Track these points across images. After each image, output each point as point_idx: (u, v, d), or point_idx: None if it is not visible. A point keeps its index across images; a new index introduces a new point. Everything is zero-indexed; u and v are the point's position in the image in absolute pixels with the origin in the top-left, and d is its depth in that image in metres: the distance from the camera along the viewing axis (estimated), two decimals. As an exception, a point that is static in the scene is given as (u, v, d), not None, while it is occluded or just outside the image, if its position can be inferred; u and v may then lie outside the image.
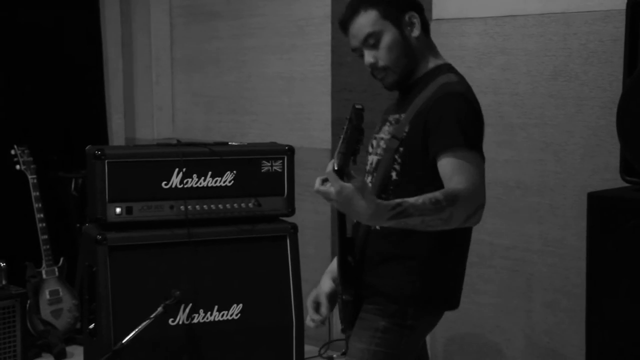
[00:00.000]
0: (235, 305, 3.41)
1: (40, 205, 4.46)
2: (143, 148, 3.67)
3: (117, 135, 5.26)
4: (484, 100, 3.67)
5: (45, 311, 4.48)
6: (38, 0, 4.86)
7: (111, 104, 5.28)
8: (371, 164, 2.38)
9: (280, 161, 3.51)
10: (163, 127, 5.34)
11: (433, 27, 3.77)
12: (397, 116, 2.32)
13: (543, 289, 3.62)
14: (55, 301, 4.47)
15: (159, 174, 3.33)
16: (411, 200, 2.01)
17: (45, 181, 4.53)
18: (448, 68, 2.34)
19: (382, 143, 2.33)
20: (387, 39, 2.25)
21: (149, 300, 3.19)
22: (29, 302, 4.49)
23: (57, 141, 4.88)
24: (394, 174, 2.25)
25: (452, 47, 3.82)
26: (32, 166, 4.47)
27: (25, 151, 4.49)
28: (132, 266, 3.28)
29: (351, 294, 2.29)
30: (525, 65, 3.63)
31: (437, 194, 2.03)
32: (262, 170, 3.47)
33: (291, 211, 3.55)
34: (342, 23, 2.31)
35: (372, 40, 2.25)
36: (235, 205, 3.45)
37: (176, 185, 3.35)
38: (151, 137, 5.28)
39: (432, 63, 2.34)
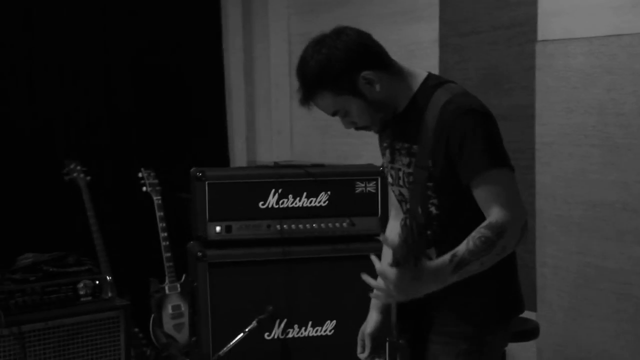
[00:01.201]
0: (329, 321, 3.51)
1: (164, 225, 4.72)
2: (242, 170, 3.86)
3: (239, 159, 5.47)
4: (589, 120, 3.65)
5: (168, 325, 4.74)
6: (163, 27, 5.13)
7: (234, 128, 5.50)
8: (401, 194, 2.36)
9: (374, 182, 3.59)
10: (282, 150, 5.51)
11: (538, 48, 3.81)
12: (406, 145, 2.26)
13: (652, 313, 3.50)
14: (177, 315, 4.71)
15: (257, 194, 3.49)
16: (463, 248, 2.03)
17: (170, 202, 4.78)
18: (436, 79, 2.27)
19: (402, 174, 2.29)
20: (353, 110, 2.20)
21: (246, 315, 3.34)
22: (152, 315, 4.78)
23: (181, 164, 5.12)
24: (433, 209, 2.23)
25: (558, 68, 3.78)
26: (158, 188, 4.75)
27: (152, 174, 4.77)
28: (230, 282, 3.44)
29: (407, 338, 2.29)
30: (631, 85, 3.53)
31: (485, 232, 2.05)
32: (356, 191, 3.56)
33: (385, 231, 3.61)
34: (302, 103, 2.24)
35: (340, 114, 2.23)
36: (330, 224, 3.55)
37: (272, 205, 3.49)
38: (270, 160, 5.47)
39: (414, 85, 2.24)
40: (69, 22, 4.79)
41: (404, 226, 1.94)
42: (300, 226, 3.52)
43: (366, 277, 2.10)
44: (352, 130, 5.34)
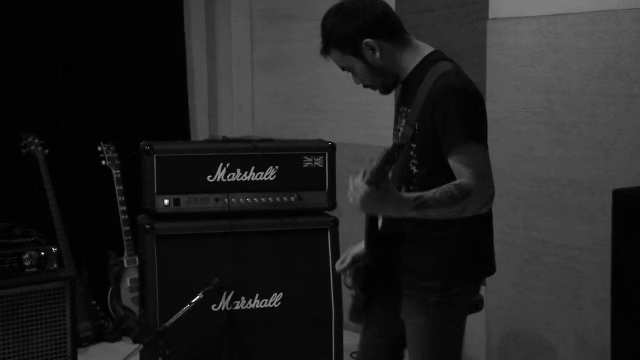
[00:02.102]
0: (275, 294, 3.56)
1: (122, 198, 4.76)
2: (190, 144, 3.88)
3: (201, 134, 5.50)
4: (537, 98, 3.71)
5: (126, 298, 4.80)
6: (126, 3, 5.14)
7: (195, 104, 5.52)
8: None
9: (322, 157, 3.63)
10: (243, 126, 5.55)
11: (489, 26, 3.85)
12: (405, 109, 2.49)
13: (594, 287, 3.57)
14: (135, 289, 4.75)
15: (205, 168, 3.53)
16: (430, 193, 2.26)
17: (129, 177, 4.81)
18: (437, 55, 2.51)
19: (399, 134, 2.51)
20: (357, 69, 2.48)
21: (194, 287, 3.38)
22: (110, 288, 4.83)
23: (143, 139, 5.13)
24: (414, 168, 2.44)
25: (507, 46, 3.83)
26: (117, 162, 4.78)
27: (111, 148, 4.81)
28: (178, 255, 3.48)
29: (370, 261, 2.54)
30: (576, 64, 3.59)
31: (453, 188, 2.27)
32: (304, 166, 3.60)
33: (332, 205, 3.67)
34: (322, 53, 2.54)
35: (347, 70, 2.51)
36: (277, 199, 3.60)
37: (220, 179, 3.53)
38: (232, 136, 5.50)
39: (415, 60, 2.48)
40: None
41: (382, 152, 2.14)
42: (248, 200, 3.56)
43: (351, 181, 2.25)
44: (310, 107, 5.40)
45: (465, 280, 2.51)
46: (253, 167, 3.56)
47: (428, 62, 2.46)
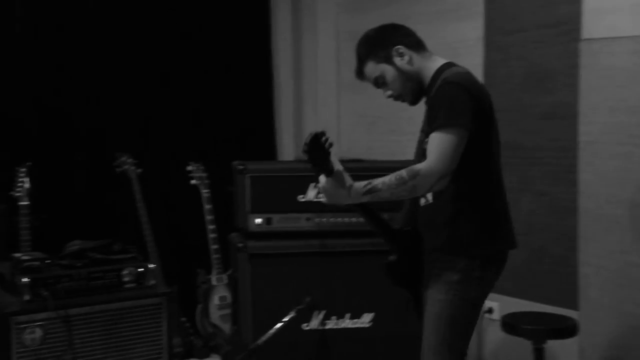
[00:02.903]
0: (366, 314, 3.56)
1: (212, 217, 4.81)
2: (282, 164, 3.92)
3: (286, 154, 5.54)
4: (633, 119, 3.64)
5: (215, 315, 4.84)
6: (213, 25, 5.24)
7: (281, 124, 5.57)
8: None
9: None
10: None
11: (583, 46, 3.80)
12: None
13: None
14: (223, 306, 4.80)
15: (296, 187, 3.56)
16: (380, 179, 2.58)
17: (218, 195, 4.88)
18: (448, 65, 2.78)
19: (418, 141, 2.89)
20: (389, 76, 2.81)
21: (285, 305, 3.42)
22: (199, 306, 4.89)
23: (230, 159, 5.20)
24: None
25: (602, 67, 3.78)
26: (206, 181, 4.85)
27: (200, 167, 4.88)
28: (270, 273, 3.52)
29: (394, 257, 2.82)
30: (675, 83, 3.52)
31: (402, 171, 2.57)
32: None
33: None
34: (357, 75, 2.92)
35: (380, 80, 2.83)
36: (368, 219, 3.59)
37: (312, 199, 3.55)
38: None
39: (433, 67, 2.78)
40: (120, 20, 4.93)
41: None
42: (339, 219, 3.58)
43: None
44: (398, 127, 5.39)
45: (489, 263, 2.72)
46: (344, 187, 3.57)
47: (438, 73, 2.75)
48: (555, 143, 4.08)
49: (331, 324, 3.53)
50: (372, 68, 2.82)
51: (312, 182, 3.55)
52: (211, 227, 4.81)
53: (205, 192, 4.84)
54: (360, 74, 2.89)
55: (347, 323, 3.54)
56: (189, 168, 4.86)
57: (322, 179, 2.58)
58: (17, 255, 3.25)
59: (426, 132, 2.69)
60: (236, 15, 5.31)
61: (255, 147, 5.35)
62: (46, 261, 3.18)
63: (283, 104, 5.57)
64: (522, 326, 3.54)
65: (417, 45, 2.83)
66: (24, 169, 4.20)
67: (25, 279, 3.06)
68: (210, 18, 5.23)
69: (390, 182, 2.56)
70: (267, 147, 5.47)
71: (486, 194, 2.75)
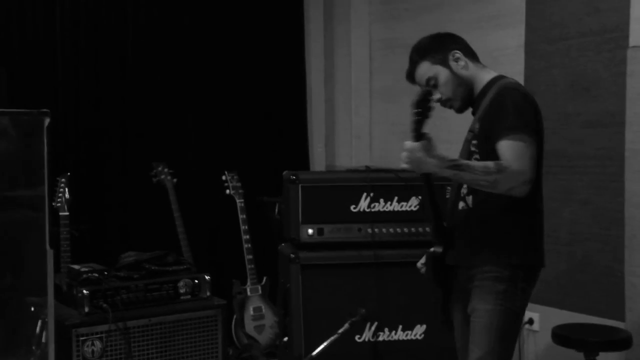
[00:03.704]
0: (419, 325, 3.52)
1: (246, 227, 4.78)
2: (334, 173, 3.89)
3: (318, 163, 5.52)
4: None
5: (249, 326, 4.81)
6: (247, 34, 5.23)
7: (313, 132, 5.56)
8: None
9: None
10: (361, 155, 5.55)
11: (630, 54, 3.78)
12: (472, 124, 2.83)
13: None
14: (258, 317, 4.77)
15: (348, 198, 3.53)
16: (467, 161, 2.61)
17: (252, 205, 4.85)
18: (501, 77, 2.82)
19: (464, 142, 2.86)
20: (442, 78, 2.81)
21: (337, 317, 3.38)
22: (235, 316, 4.86)
23: (263, 168, 5.20)
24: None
25: (650, 75, 3.75)
26: (240, 191, 4.82)
27: (235, 177, 4.85)
28: (322, 284, 3.48)
29: (439, 249, 2.79)
30: None
31: (490, 162, 2.56)
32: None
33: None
34: (408, 76, 2.91)
35: (432, 82, 2.82)
36: (420, 229, 3.58)
37: (364, 209, 3.53)
38: (349, 165, 5.51)
39: (487, 77, 2.82)
40: (156, 30, 4.92)
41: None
42: (391, 230, 3.55)
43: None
44: (433, 137, 5.35)
45: (530, 274, 2.72)
46: (396, 197, 3.55)
47: (495, 79, 2.80)
48: (600, 152, 4.06)
49: (383, 336, 3.49)
50: (426, 68, 2.83)
51: (364, 191, 3.51)
52: (246, 237, 4.78)
53: (240, 202, 4.81)
54: (411, 75, 2.89)
55: (399, 335, 3.51)
56: (224, 178, 4.84)
57: (409, 143, 2.57)
58: (75, 266, 3.22)
59: (480, 133, 2.70)
60: (270, 25, 5.30)
61: (287, 156, 5.33)
62: (104, 273, 3.14)
63: (315, 112, 5.55)
64: (575, 338, 3.51)
65: (472, 54, 2.87)
66: (63, 180, 4.17)
67: (85, 291, 3.03)
68: (245, 26, 5.22)
69: (476, 167, 2.55)
70: (299, 155, 5.45)
71: (534, 206, 2.75)
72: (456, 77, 2.79)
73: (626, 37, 3.86)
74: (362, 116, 5.56)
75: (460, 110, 2.87)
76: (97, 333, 3.00)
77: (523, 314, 2.80)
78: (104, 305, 3.02)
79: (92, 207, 4.57)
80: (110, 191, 4.71)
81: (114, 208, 4.70)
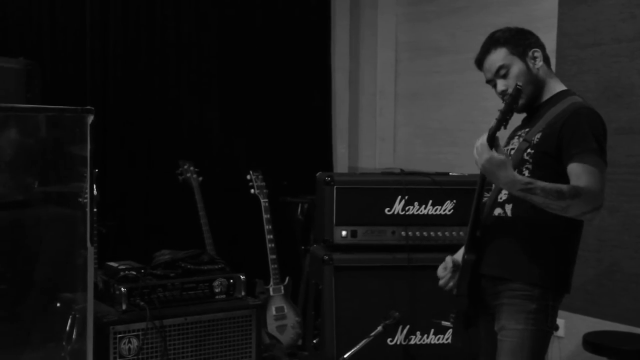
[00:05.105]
0: (451, 330, 3.49)
1: (270, 227, 4.77)
2: (368, 176, 3.87)
3: (341, 164, 5.51)
4: None
5: (271, 326, 4.79)
6: (272, 35, 5.23)
7: (337, 133, 5.55)
8: None
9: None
10: (385, 157, 5.54)
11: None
12: (526, 130, 2.72)
13: None
14: (280, 317, 4.76)
15: (383, 200, 3.52)
16: (541, 183, 2.48)
17: (275, 205, 4.84)
18: (572, 93, 2.74)
19: (511, 151, 2.73)
20: (514, 70, 2.70)
21: (370, 319, 3.37)
22: (260, 315, 4.85)
23: (287, 168, 5.19)
24: (526, 172, 2.62)
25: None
26: (265, 191, 4.80)
27: (259, 176, 4.83)
28: (355, 286, 3.47)
29: (473, 257, 2.70)
30: None
31: (564, 186, 2.47)
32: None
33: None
34: (478, 60, 2.80)
35: (502, 71, 2.71)
36: (454, 233, 3.56)
37: (398, 212, 3.51)
38: (373, 167, 5.49)
39: (557, 88, 2.75)
40: (182, 29, 4.92)
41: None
42: (425, 234, 3.54)
43: (478, 141, 2.55)
44: (457, 140, 5.34)
45: (559, 293, 2.66)
46: (430, 201, 3.54)
47: (566, 92, 2.73)
48: (630, 159, 4.04)
49: (415, 340, 3.48)
50: (502, 55, 2.71)
51: (399, 194, 3.50)
52: (269, 237, 4.77)
53: (264, 202, 4.80)
54: (481, 60, 2.77)
55: (431, 339, 3.49)
56: (248, 177, 4.82)
57: (487, 148, 2.49)
58: (113, 264, 3.21)
59: (540, 146, 2.60)
60: (297, 26, 5.31)
61: (310, 157, 5.33)
62: (141, 271, 3.13)
63: (338, 112, 5.55)
64: (607, 345, 3.49)
65: (548, 60, 2.79)
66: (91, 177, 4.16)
67: (123, 289, 3.02)
68: (272, 27, 5.22)
69: (550, 190, 2.45)
70: (322, 156, 5.44)
71: (575, 230, 2.68)
72: (529, 74, 2.69)
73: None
74: (387, 118, 5.55)
75: (521, 108, 2.74)
76: (134, 331, 2.98)
77: (552, 331, 2.70)
78: (141, 303, 3.01)
79: (118, 205, 4.57)
80: (137, 189, 4.70)
81: (140, 206, 4.70)
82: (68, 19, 4.48)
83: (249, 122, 5.17)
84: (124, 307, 3.00)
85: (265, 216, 4.78)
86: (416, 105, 5.45)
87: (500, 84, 2.71)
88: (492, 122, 2.53)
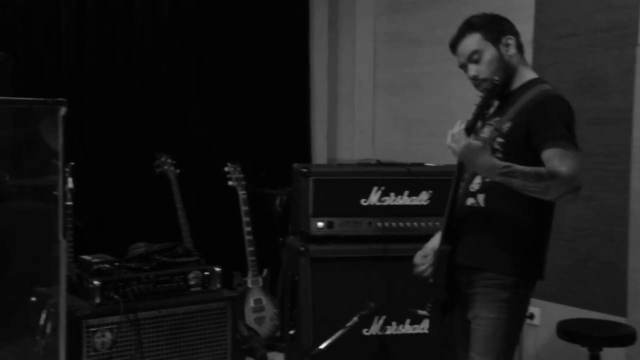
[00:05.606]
0: (426, 319, 3.51)
1: (248, 219, 4.76)
2: (345, 167, 3.87)
3: (319, 156, 5.51)
4: None
5: (249, 318, 4.79)
6: (250, 26, 5.21)
7: (315, 125, 5.55)
8: None
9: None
10: (363, 149, 5.53)
11: (639, 51, 3.77)
12: (497, 119, 2.73)
13: None
14: (258, 309, 4.76)
15: (359, 191, 3.52)
16: (519, 166, 2.50)
17: (253, 197, 4.83)
18: (542, 81, 2.77)
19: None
20: (487, 55, 2.73)
21: (346, 310, 3.37)
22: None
23: (265, 159, 5.18)
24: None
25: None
26: (243, 182, 4.79)
27: (237, 168, 4.82)
28: (331, 277, 3.48)
29: (449, 248, 2.73)
30: None
31: (542, 169, 2.50)
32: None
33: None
34: (452, 44, 2.83)
35: (475, 56, 2.74)
36: (430, 223, 3.57)
37: (374, 203, 3.51)
38: (351, 159, 5.49)
39: (528, 76, 2.78)
40: (159, 20, 4.90)
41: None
42: (401, 224, 3.54)
43: (450, 132, 2.61)
44: (436, 130, 5.34)
45: (530, 281, 2.70)
46: (407, 192, 3.54)
47: (536, 81, 2.76)
48: (606, 148, 4.06)
49: (391, 330, 3.49)
50: (476, 41, 2.75)
51: (375, 185, 3.50)
52: (247, 229, 4.76)
53: (242, 194, 4.79)
54: (455, 44, 2.81)
55: (407, 329, 3.50)
56: (226, 169, 4.81)
57: (463, 135, 2.53)
58: (86, 257, 3.20)
59: (510, 134, 2.63)
60: (275, 17, 5.29)
61: (288, 149, 5.31)
62: (115, 264, 3.12)
63: (317, 104, 5.54)
64: (580, 333, 3.52)
65: (521, 49, 2.82)
66: (67, 170, 4.12)
67: (96, 282, 3.01)
68: (249, 18, 5.20)
69: (529, 173, 2.49)
70: (300, 148, 5.43)
71: (546, 218, 2.72)
72: (502, 61, 2.72)
73: (635, 34, 3.86)
74: (365, 110, 5.54)
75: (490, 94, 2.71)
76: (107, 324, 2.97)
77: (524, 319, 2.77)
78: (115, 296, 3.00)
79: (95, 198, 4.54)
80: (113, 182, 4.68)
81: (116, 198, 4.67)
82: (43, 9, 4.44)
83: (227, 113, 5.15)
84: (97, 300, 2.99)
85: (244, 208, 4.77)
86: (395, 96, 5.45)
87: (472, 69, 2.74)
88: (470, 117, 2.57)
